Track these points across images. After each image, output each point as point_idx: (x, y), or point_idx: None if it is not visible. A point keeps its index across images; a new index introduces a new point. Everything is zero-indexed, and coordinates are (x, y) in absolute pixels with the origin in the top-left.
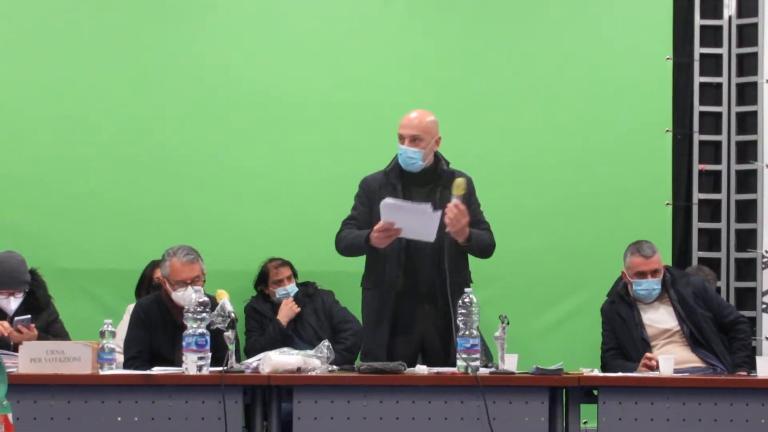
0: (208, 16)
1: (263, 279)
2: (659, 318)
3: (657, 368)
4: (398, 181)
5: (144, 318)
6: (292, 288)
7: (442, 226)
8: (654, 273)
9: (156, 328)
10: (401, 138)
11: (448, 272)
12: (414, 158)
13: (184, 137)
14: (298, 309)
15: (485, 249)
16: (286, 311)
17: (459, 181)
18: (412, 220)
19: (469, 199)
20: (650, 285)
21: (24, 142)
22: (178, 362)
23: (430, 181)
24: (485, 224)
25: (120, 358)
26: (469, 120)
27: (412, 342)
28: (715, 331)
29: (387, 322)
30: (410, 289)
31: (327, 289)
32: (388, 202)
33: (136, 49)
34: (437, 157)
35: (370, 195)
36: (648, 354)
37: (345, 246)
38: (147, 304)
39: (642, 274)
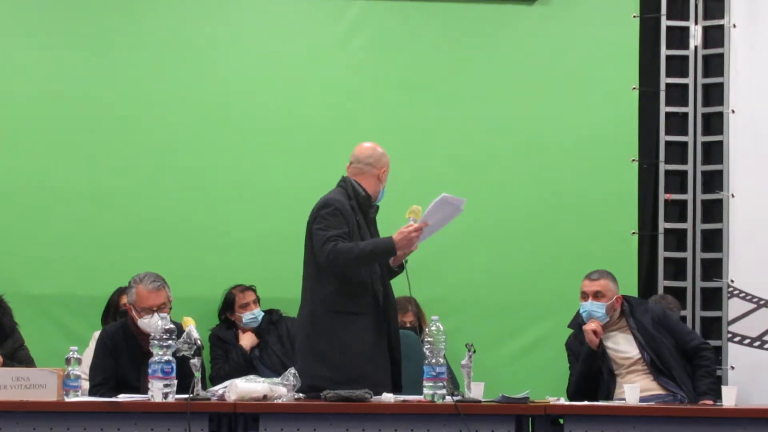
0: (183, 40)
1: (229, 305)
2: (620, 347)
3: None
4: (359, 208)
5: (110, 345)
6: (258, 312)
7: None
8: (596, 295)
9: (122, 355)
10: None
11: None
12: None
13: (150, 167)
14: (257, 340)
15: None
16: (250, 339)
17: (417, 208)
18: (444, 216)
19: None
20: (590, 307)
21: None
22: (143, 389)
23: (371, 209)
24: None
25: (86, 384)
26: (433, 149)
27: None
28: (677, 357)
29: (385, 348)
30: (392, 317)
31: (291, 316)
32: (447, 196)
33: (108, 71)
34: None
35: (348, 217)
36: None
37: (357, 255)
38: (113, 331)
39: (584, 295)
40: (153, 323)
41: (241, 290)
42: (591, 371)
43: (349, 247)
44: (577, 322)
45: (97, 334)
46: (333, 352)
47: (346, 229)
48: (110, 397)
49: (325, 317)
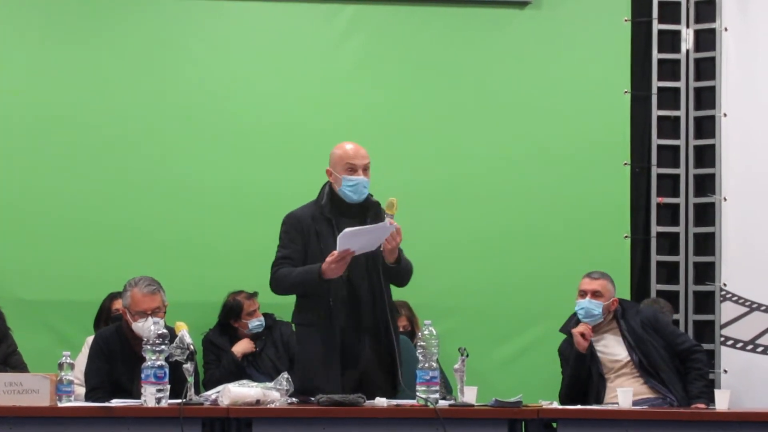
0: (176, 45)
1: (235, 313)
2: (610, 350)
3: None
4: (330, 215)
5: (104, 349)
6: (262, 319)
7: (377, 254)
8: (594, 294)
9: (116, 359)
10: (353, 168)
11: (386, 302)
12: (367, 188)
13: (143, 172)
14: (254, 349)
15: (407, 274)
16: (245, 345)
17: (392, 201)
18: (367, 240)
19: None
20: (588, 305)
21: None
22: (137, 393)
23: (358, 213)
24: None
25: (79, 389)
26: (426, 154)
27: (356, 375)
28: (667, 360)
29: (336, 357)
30: (353, 321)
31: (286, 320)
32: (347, 232)
33: (105, 76)
34: None
35: (303, 231)
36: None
37: (290, 284)
38: (107, 334)
39: (583, 294)
40: (146, 327)
41: (247, 297)
42: (581, 375)
43: (284, 274)
44: (568, 328)
45: (90, 339)
46: (296, 363)
47: (296, 247)
48: (106, 401)
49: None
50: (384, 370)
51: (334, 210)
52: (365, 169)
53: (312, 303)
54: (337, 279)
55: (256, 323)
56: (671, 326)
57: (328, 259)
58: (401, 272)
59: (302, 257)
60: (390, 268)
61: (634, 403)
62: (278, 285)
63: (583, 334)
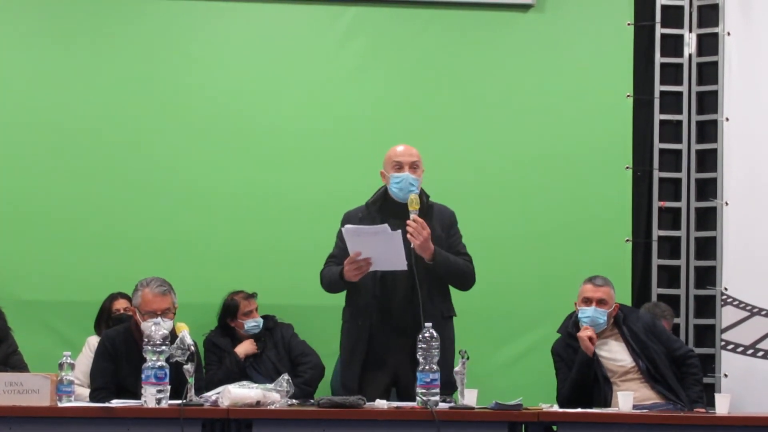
0: (178, 48)
1: (231, 312)
2: (613, 356)
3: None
4: (378, 214)
5: (110, 349)
6: (260, 320)
7: (416, 257)
8: (600, 302)
9: (121, 359)
10: (399, 166)
11: (422, 304)
12: (414, 185)
13: (144, 174)
14: (257, 350)
15: (460, 275)
16: (247, 346)
17: (412, 197)
18: (377, 246)
19: (449, 230)
20: (594, 313)
21: None
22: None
23: (409, 215)
24: (466, 255)
25: (79, 390)
26: (426, 157)
27: (385, 376)
28: (668, 365)
29: (359, 356)
30: (385, 321)
31: (287, 322)
32: (348, 228)
33: (108, 77)
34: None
35: None
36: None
37: (326, 284)
38: (114, 335)
39: (587, 301)
40: (147, 328)
41: (245, 297)
42: (587, 379)
43: (324, 274)
44: (566, 329)
45: (91, 339)
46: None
47: (342, 246)
48: (110, 401)
49: None
50: (414, 371)
51: (384, 210)
52: (413, 167)
53: (349, 300)
54: (372, 278)
55: (252, 324)
56: (666, 331)
57: (347, 260)
58: (440, 271)
59: (346, 256)
60: (429, 267)
61: (645, 407)
62: (322, 283)
63: (591, 338)
